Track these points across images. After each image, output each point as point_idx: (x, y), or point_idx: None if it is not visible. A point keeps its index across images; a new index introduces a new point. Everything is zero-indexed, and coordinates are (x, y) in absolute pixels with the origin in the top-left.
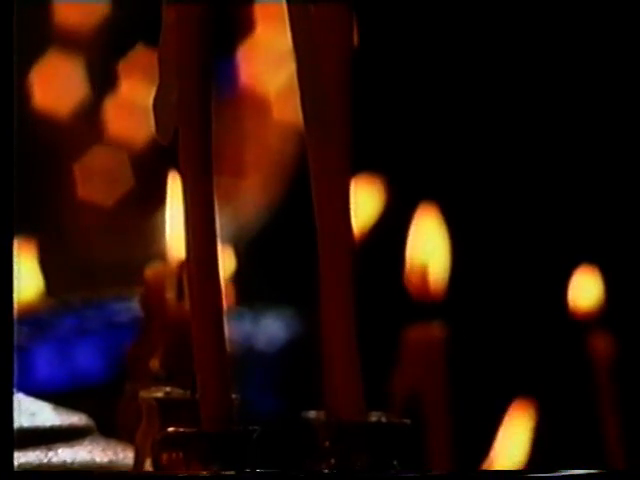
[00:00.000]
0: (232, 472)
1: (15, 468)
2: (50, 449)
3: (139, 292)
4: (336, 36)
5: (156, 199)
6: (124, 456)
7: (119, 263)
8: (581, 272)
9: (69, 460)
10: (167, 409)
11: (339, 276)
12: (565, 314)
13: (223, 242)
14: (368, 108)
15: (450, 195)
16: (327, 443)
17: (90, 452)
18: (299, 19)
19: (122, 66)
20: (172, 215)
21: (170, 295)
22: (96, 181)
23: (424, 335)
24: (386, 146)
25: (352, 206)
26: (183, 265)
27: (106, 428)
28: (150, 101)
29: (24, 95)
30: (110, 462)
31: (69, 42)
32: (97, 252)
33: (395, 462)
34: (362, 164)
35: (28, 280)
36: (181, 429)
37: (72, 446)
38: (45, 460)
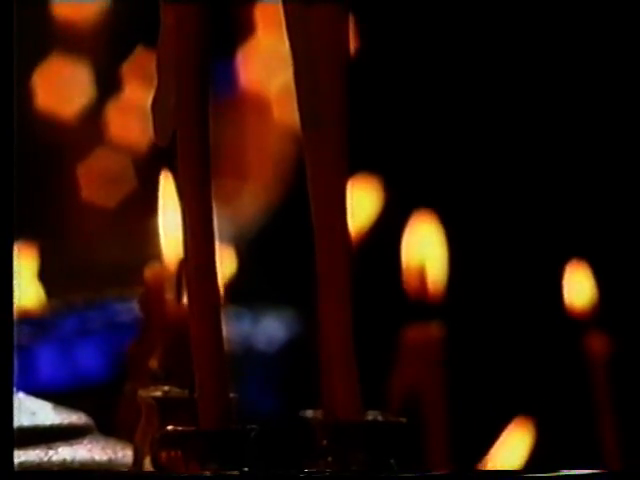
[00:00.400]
0: (231, 472)
1: (15, 467)
2: (50, 448)
3: (139, 292)
4: (333, 38)
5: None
6: (123, 455)
7: (120, 264)
8: (577, 271)
9: (69, 459)
10: (166, 408)
11: (336, 277)
12: (561, 313)
13: (223, 243)
14: (364, 110)
15: (447, 195)
16: (325, 442)
17: (90, 451)
18: (296, 21)
19: (125, 69)
20: (168, 216)
21: (169, 295)
22: (98, 183)
23: (421, 335)
24: (383, 147)
25: (349, 207)
26: (182, 266)
27: (106, 427)
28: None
29: (27, 98)
30: (109, 461)
31: (72, 45)
32: (99, 253)
33: (392, 461)
34: (359, 165)
35: (30, 281)
36: (179, 428)
37: (72, 445)
38: (45, 459)
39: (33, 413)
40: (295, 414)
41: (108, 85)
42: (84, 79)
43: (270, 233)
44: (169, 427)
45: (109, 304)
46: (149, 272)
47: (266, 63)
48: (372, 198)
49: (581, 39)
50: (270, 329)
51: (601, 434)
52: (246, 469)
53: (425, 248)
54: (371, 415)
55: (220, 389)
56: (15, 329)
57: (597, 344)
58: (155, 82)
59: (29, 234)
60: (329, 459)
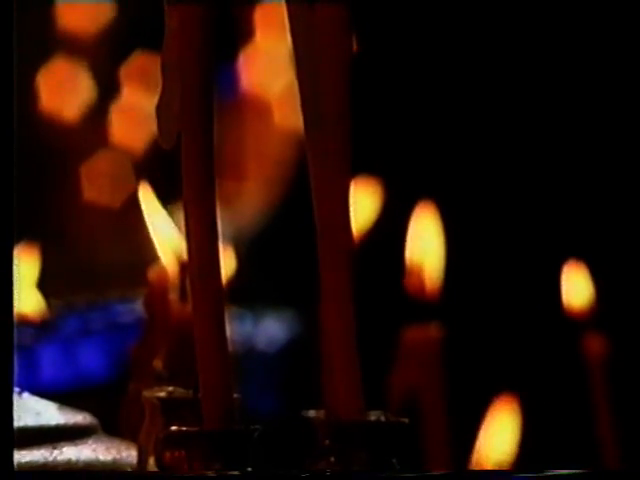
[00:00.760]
0: (234, 472)
1: (20, 466)
2: (55, 448)
3: (143, 293)
4: (335, 40)
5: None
6: (127, 455)
7: (123, 265)
8: (575, 272)
9: (74, 459)
10: (170, 408)
11: (338, 277)
12: (559, 313)
13: (225, 244)
14: (365, 110)
15: (447, 195)
16: (327, 442)
17: (94, 451)
18: (299, 23)
19: (126, 71)
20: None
21: (173, 296)
22: (101, 184)
23: (422, 335)
24: (383, 147)
25: (351, 207)
26: (185, 267)
27: (110, 427)
28: (154, 106)
29: (30, 100)
30: (114, 460)
31: (74, 48)
32: (101, 254)
33: (394, 460)
34: (360, 166)
35: (34, 282)
36: (183, 428)
37: (76, 445)
38: (50, 458)
39: (38, 413)
40: (297, 414)
41: (110, 87)
42: (86, 82)
43: (271, 234)
44: (173, 427)
45: (112, 305)
46: (153, 273)
47: (268, 66)
48: (373, 198)
49: (580, 38)
50: (271, 330)
51: (599, 434)
52: (249, 469)
53: (426, 249)
54: (373, 415)
55: (223, 389)
56: (18, 330)
57: (594, 344)
58: (159, 85)
59: (32, 235)
60: (331, 459)
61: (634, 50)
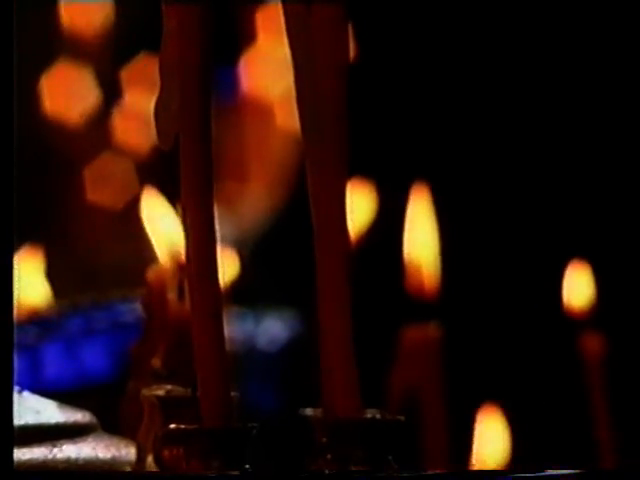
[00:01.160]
0: (233, 472)
1: (20, 464)
2: (55, 446)
3: (142, 293)
4: (332, 41)
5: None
6: (127, 453)
7: (125, 265)
8: (577, 272)
9: (73, 456)
10: (168, 406)
11: (336, 277)
12: (559, 312)
13: (226, 245)
14: (361, 111)
15: (447, 195)
16: (324, 439)
17: (94, 449)
18: (296, 26)
19: (129, 74)
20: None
21: (171, 296)
22: (103, 186)
23: (420, 334)
24: (379, 148)
25: (348, 209)
26: (184, 267)
27: (112, 425)
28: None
29: (34, 103)
30: (113, 458)
31: (78, 52)
32: (104, 255)
33: (390, 457)
34: (356, 166)
35: (37, 282)
36: (182, 426)
37: (76, 443)
38: (50, 456)
39: (37, 412)
40: (295, 412)
41: (113, 90)
42: (90, 85)
43: (272, 235)
44: (172, 425)
45: (114, 305)
46: (152, 272)
47: (268, 68)
48: (370, 199)
49: (577, 37)
50: (271, 329)
51: (597, 433)
52: (247, 466)
53: (425, 248)
54: (370, 413)
55: (222, 388)
56: (22, 329)
57: (593, 344)
58: (158, 87)
59: (36, 236)
60: (328, 456)
61: (635, 49)
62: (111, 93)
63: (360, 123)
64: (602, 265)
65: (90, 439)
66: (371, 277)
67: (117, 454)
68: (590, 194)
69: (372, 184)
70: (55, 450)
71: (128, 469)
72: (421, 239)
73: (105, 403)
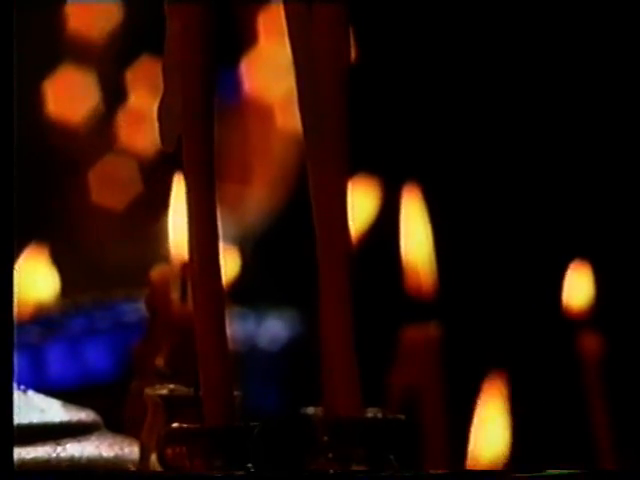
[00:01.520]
0: (236, 472)
1: (24, 463)
2: (58, 444)
3: (145, 292)
4: (333, 40)
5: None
6: (130, 451)
7: (128, 265)
8: (573, 270)
9: (77, 455)
10: (171, 406)
11: (337, 276)
12: (558, 312)
13: (228, 245)
14: (362, 110)
15: (446, 195)
16: (325, 438)
17: (97, 447)
18: (297, 26)
19: (132, 77)
20: (175, 218)
21: (174, 295)
22: (107, 187)
23: (420, 334)
24: (380, 147)
25: (349, 209)
26: (186, 266)
27: (115, 424)
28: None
29: (39, 106)
30: (116, 457)
31: (82, 55)
32: (107, 255)
33: (391, 456)
34: (358, 166)
35: (41, 281)
36: (185, 425)
37: (80, 441)
38: (53, 455)
39: (42, 410)
40: (297, 411)
41: (116, 93)
42: (93, 87)
43: (273, 235)
44: (175, 424)
45: (117, 304)
46: (155, 272)
47: (270, 70)
48: (370, 198)
49: (576, 37)
50: (273, 329)
51: (595, 433)
52: (250, 465)
53: (424, 247)
54: (371, 412)
55: (224, 387)
56: (26, 328)
57: (592, 344)
58: (161, 88)
59: (40, 236)
60: (330, 455)
61: (635, 49)
62: (116, 95)
63: (361, 123)
64: (601, 265)
65: (94, 438)
66: (371, 277)
67: (120, 453)
68: (590, 195)
69: (372, 184)
70: (59, 449)
71: (131, 468)
72: (419, 239)
73: (108, 402)
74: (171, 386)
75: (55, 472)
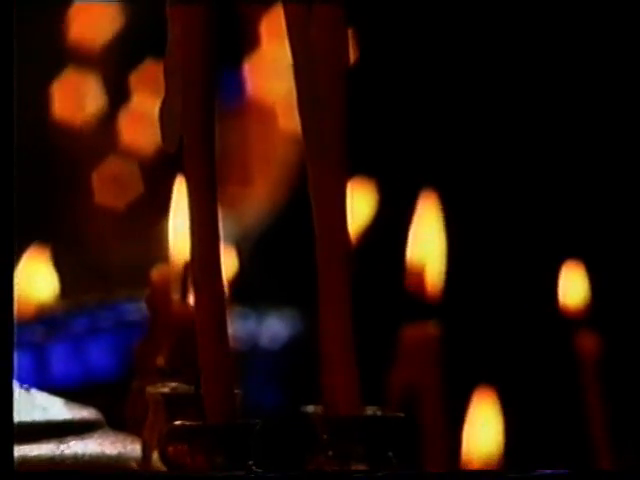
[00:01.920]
0: (239, 472)
1: (27, 460)
2: (62, 442)
3: (146, 292)
4: (332, 44)
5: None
6: (132, 449)
7: (131, 265)
8: (572, 272)
9: (80, 452)
10: (173, 404)
11: (336, 277)
12: (555, 312)
13: (229, 245)
14: (362, 110)
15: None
16: (325, 436)
17: (100, 445)
18: (296, 28)
19: (133, 80)
20: (176, 219)
21: (175, 295)
22: (109, 187)
23: (419, 333)
24: (380, 148)
25: (349, 209)
26: (187, 266)
27: (116, 422)
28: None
29: (44, 108)
30: (119, 454)
31: (86, 58)
32: (110, 255)
33: (390, 453)
34: (358, 166)
35: (44, 281)
36: (186, 422)
37: (82, 439)
38: (57, 452)
39: (44, 408)
40: (297, 409)
41: (119, 95)
42: (98, 90)
43: (273, 235)
44: (177, 422)
45: (119, 304)
46: (155, 272)
47: (272, 71)
48: (370, 198)
49: (579, 37)
50: (273, 327)
51: (591, 432)
52: (251, 462)
53: (429, 249)
54: (370, 410)
55: (225, 385)
56: (30, 328)
57: (588, 343)
58: (163, 90)
59: (43, 236)
60: (330, 453)
61: (634, 50)
62: (119, 98)
63: (365, 124)
64: (596, 265)
65: (96, 436)
66: (371, 277)
67: (123, 450)
68: (584, 197)
69: (373, 182)
70: (62, 447)
71: (134, 465)
72: (425, 241)
73: (110, 401)
74: (173, 384)
75: (55, 472)
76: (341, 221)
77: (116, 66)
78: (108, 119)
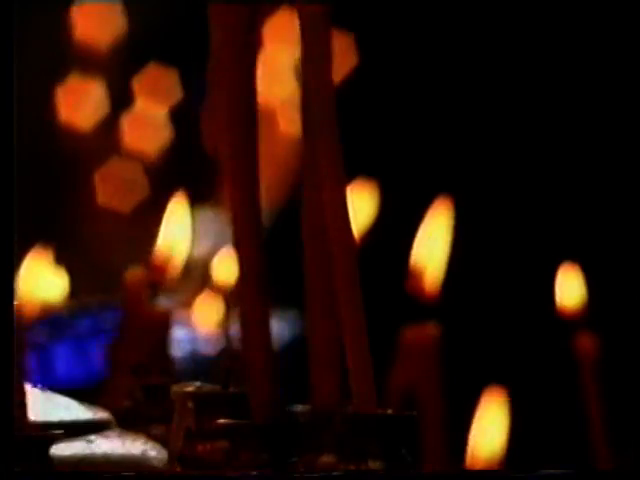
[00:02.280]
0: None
1: (62, 460)
2: (90, 441)
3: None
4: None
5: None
6: (152, 447)
7: (133, 266)
8: (569, 274)
9: (109, 451)
10: (198, 402)
11: (351, 282)
12: (552, 314)
13: (229, 245)
14: (366, 114)
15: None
16: (340, 434)
17: (123, 444)
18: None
19: (137, 83)
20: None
21: (147, 296)
22: (114, 189)
23: (420, 335)
24: (383, 151)
25: (350, 211)
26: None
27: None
28: (162, 116)
29: (50, 113)
30: (142, 453)
31: (89, 64)
32: (114, 256)
33: (404, 450)
34: (359, 168)
35: (48, 283)
36: (232, 421)
37: (106, 437)
38: (88, 451)
39: (67, 407)
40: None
41: (122, 99)
42: (100, 94)
43: (274, 235)
44: (222, 420)
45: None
46: (128, 275)
47: (273, 74)
48: (372, 200)
49: (579, 40)
50: (275, 327)
51: (590, 432)
52: (295, 459)
53: (431, 251)
54: (385, 409)
55: (271, 386)
56: (34, 329)
57: (586, 344)
58: (172, 95)
59: (47, 237)
60: (344, 450)
61: (633, 53)
62: (120, 102)
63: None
64: (593, 267)
65: (114, 434)
66: (372, 278)
67: (143, 448)
68: (581, 201)
69: (374, 184)
70: (92, 445)
71: (155, 463)
72: (431, 244)
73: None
74: (197, 383)
75: (55, 472)
76: (345, 224)
77: (120, 70)
78: (112, 122)
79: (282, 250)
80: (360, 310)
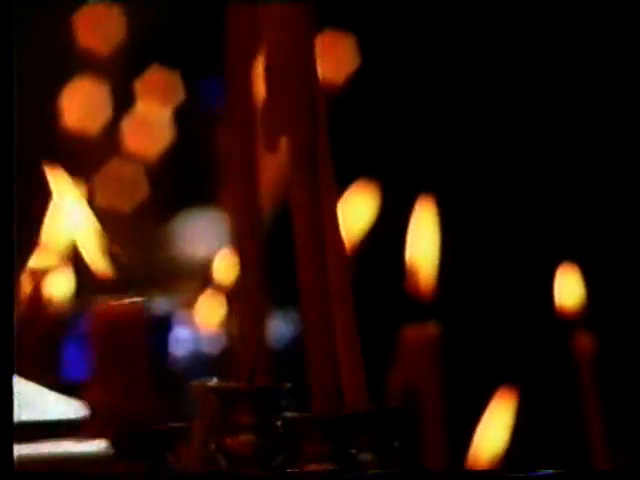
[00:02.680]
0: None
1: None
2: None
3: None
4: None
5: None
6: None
7: (135, 267)
8: (567, 274)
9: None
10: (221, 397)
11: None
12: (551, 313)
13: (228, 245)
14: (363, 114)
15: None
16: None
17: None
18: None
19: (139, 86)
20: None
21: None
22: (115, 191)
23: (419, 334)
24: (379, 152)
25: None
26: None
27: None
28: (164, 118)
29: (53, 115)
30: None
31: (92, 66)
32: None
33: (396, 444)
34: (356, 171)
35: (53, 282)
36: (296, 414)
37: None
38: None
39: (65, 406)
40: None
41: (124, 101)
42: (103, 96)
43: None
44: (288, 414)
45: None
46: (25, 276)
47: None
48: (370, 201)
49: (578, 39)
50: (275, 327)
51: (588, 432)
52: (353, 451)
53: (426, 252)
54: (376, 405)
55: (332, 379)
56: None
57: (585, 344)
58: (177, 97)
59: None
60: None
61: (633, 53)
62: (123, 104)
63: (367, 128)
64: (592, 267)
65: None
66: (371, 278)
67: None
68: (579, 201)
69: (372, 185)
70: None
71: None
72: (423, 243)
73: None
74: (215, 379)
75: (55, 472)
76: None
77: (122, 73)
78: (114, 124)
79: (282, 250)
80: (350, 306)
